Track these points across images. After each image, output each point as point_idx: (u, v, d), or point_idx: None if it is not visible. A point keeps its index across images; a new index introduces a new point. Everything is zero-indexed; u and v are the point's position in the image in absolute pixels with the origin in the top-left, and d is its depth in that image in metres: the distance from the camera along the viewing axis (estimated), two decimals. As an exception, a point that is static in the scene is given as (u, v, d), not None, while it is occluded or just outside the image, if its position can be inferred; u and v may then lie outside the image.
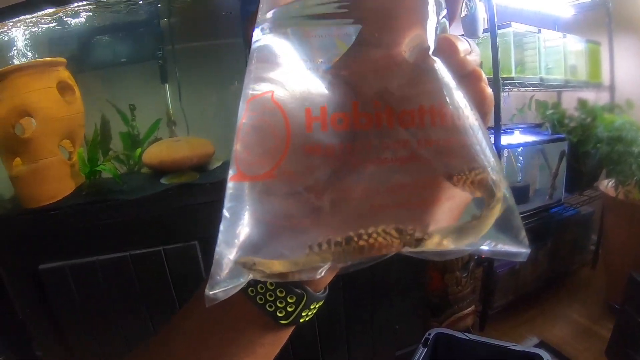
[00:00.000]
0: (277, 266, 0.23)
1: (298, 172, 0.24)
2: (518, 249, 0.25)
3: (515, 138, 2.01)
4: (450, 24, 0.27)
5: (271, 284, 0.30)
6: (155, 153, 1.45)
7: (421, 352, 1.15)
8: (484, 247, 0.25)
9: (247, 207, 0.23)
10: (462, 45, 0.25)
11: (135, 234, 1.25)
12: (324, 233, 0.23)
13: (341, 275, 0.27)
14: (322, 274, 0.23)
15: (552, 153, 2.06)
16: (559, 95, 2.42)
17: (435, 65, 0.25)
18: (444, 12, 0.26)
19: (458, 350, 1.20)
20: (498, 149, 1.76)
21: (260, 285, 0.30)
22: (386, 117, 0.24)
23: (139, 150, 1.54)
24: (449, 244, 0.24)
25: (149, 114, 1.59)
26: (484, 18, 1.70)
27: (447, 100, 0.24)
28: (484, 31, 1.70)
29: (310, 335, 1.54)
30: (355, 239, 0.23)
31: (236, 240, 0.23)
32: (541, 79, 1.92)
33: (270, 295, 0.30)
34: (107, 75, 1.62)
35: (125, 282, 1.25)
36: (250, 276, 0.23)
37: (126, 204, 1.25)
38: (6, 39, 1.37)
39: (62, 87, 1.31)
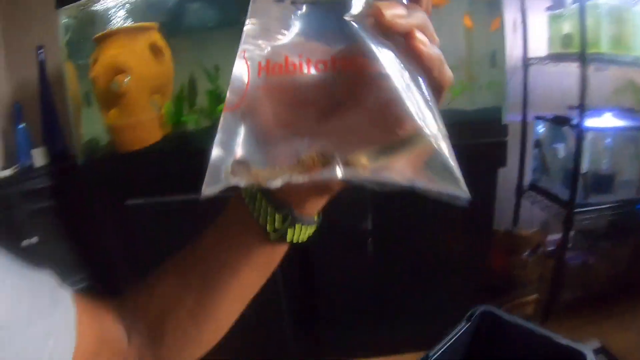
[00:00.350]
0: (261, 173, 0.29)
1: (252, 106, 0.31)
2: (455, 191, 0.28)
3: (605, 121, 1.85)
4: None
5: (262, 199, 0.36)
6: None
7: (462, 326, 1.15)
8: (419, 184, 0.29)
9: (234, 128, 0.31)
10: (391, 10, 0.28)
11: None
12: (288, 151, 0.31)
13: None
14: (279, 185, 0.29)
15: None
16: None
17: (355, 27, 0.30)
18: None
19: (501, 331, 1.18)
20: (581, 130, 1.64)
21: (254, 200, 0.36)
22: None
23: (221, 106, 1.68)
24: (368, 164, 0.28)
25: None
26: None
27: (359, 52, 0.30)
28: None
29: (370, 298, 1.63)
30: (302, 160, 0.29)
31: (231, 149, 0.30)
32: (637, 58, 1.74)
33: (261, 209, 0.36)
34: (196, 39, 1.75)
35: (200, 222, 1.41)
36: (237, 180, 0.29)
37: (204, 152, 1.39)
38: (109, 5, 1.54)
39: (154, 49, 1.47)
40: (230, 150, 0.30)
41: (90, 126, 1.66)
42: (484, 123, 1.61)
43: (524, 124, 2.11)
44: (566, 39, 1.81)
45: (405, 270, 1.63)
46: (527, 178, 2.15)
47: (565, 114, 1.86)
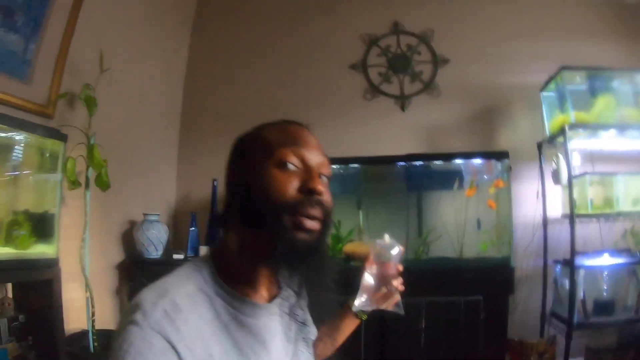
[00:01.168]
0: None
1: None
2: (400, 311, 1.09)
3: (603, 260, 2.52)
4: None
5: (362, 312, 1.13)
6: (349, 247, 2.50)
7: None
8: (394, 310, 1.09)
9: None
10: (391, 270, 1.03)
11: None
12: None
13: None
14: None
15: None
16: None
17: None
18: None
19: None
20: (572, 267, 2.36)
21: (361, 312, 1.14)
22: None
23: (339, 245, 2.60)
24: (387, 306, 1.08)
25: (348, 225, 2.68)
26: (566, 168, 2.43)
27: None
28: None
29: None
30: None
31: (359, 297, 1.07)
32: (618, 213, 2.46)
33: (362, 313, 1.13)
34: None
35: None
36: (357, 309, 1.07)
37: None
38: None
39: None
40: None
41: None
42: (501, 266, 2.50)
43: (545, 266, 2.83)
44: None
45: (445, 359, 2.33)
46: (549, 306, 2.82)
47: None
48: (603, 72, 2.64)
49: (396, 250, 1.01)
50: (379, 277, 1.02)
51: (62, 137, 2.10)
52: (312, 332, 0.96)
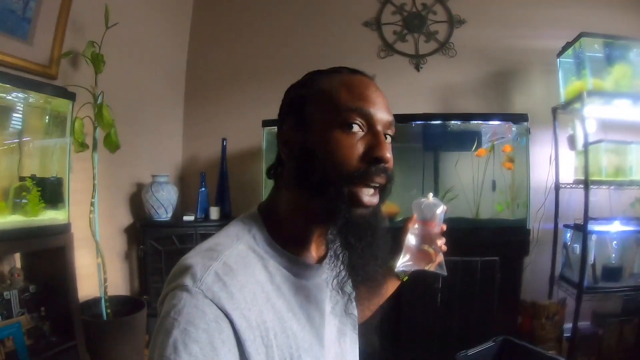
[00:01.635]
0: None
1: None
2: (443, 272, 1.03)
3: (613, 227, 2.54)
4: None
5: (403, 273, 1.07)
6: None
7: (488, 344, 1.88)
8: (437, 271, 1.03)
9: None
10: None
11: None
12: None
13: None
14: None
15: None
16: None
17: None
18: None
19: (516, 353, 1.89)
20: (585, 232, 2.37)
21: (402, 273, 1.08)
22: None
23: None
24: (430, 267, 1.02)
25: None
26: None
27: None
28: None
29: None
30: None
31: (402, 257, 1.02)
32: (631, 181, 2.47)
33: (403, 274, 1.07)
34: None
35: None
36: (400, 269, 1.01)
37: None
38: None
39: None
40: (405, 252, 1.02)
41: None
42: (518, 228, 2.49)
43: (556, 230, 2.85)
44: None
45: (460, 318, 2.36)
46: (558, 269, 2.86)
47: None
48: (621, 41, 2.57)
49: (440, 209, 0.96)
50: (422, 237, 0.97)
51: (71, 96, 2.01)
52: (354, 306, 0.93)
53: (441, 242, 0.98)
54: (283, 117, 0.74)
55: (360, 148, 0.66)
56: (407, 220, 0.99)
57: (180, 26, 3.28)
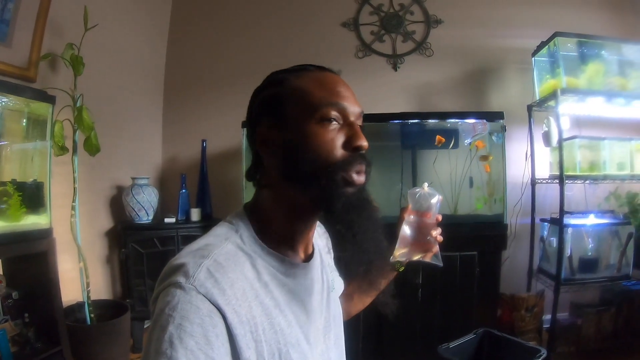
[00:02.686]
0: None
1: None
2: (438, 263, 1.05)
3: (588, 220, 2.62)
4: None
5: (398, 262, 1.06)
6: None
7: (470, 336, 1.93)
8: (432, 262, 1.05)
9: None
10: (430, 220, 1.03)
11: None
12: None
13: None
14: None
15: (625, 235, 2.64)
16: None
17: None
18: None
19: (496, 343, 1.94)
20: (561, 226, 2.44)
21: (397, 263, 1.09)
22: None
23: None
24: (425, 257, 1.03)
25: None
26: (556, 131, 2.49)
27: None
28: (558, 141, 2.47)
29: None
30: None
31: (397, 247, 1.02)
32: (605, 176, 2.55)
33: (398, 265, 1.07)
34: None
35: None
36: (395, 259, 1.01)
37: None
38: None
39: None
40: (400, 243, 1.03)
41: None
42: (495, 223, 2.55)
43: (533, 225, 2.93)
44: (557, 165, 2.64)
45: (440, 311, 2.41)
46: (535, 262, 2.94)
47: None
48: (594, 41, 2.67)
49: (436, 199, 0.97)
50: (417, 227, 0.98)
51: (50, 99, 2.00)
52: (339, 289, 0.96)
53: (437, 232, 0.99)
54: (255, 119, 0.76)
55: (340, 139, 0.71)
56: (402, 210, 1.00)
57: (159, 28, 3.27)
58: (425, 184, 0.99)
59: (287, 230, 0.75)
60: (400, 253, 0.97)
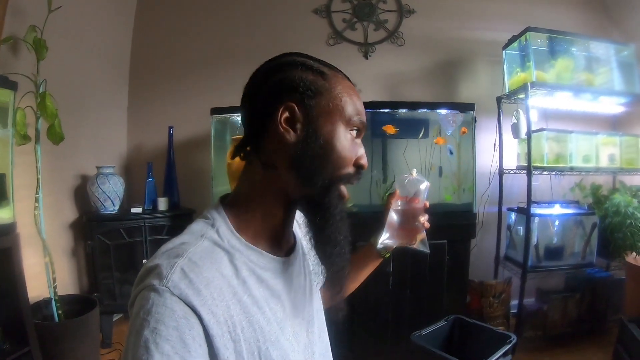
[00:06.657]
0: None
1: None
2: (425, 249, 1.05)
3: (554, 210, 2.70)
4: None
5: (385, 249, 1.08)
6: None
7: (441, 323, 1.96)
8: (419, 248, 1.05)
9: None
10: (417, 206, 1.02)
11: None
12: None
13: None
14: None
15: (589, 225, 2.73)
16: (614, 180, 3.05)
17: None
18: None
19: (466, 329, 1.98)
20: (528, 215, 2.50)
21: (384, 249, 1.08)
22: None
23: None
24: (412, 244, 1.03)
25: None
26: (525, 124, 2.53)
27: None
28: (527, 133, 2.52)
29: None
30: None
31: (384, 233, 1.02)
32: (571, 168, 2.63)
33: (385, 251, 1.07)
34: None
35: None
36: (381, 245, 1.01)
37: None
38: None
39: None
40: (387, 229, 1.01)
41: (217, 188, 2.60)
42: (464, 212, 2.59)
43: (500, 213, 3.00)
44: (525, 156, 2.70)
45: (411, 299, 2.44)
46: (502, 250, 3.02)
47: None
48: (564, 37, 2.74)
49: (424, 186, 0.96)
50: (405, 214, 0.97)
51: (12, 85, 1.89)
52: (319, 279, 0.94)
53: (424, 218, 0.98)
54: (277, 93, 0.71)
55: (355, 153, 0.73)
56: (390, 196, 0.99)
57: (125, 12, 3.15)
58: (414, 170, 0.98)
59: (267, 222, 0.73)
60: (385, 239, 0.97)
